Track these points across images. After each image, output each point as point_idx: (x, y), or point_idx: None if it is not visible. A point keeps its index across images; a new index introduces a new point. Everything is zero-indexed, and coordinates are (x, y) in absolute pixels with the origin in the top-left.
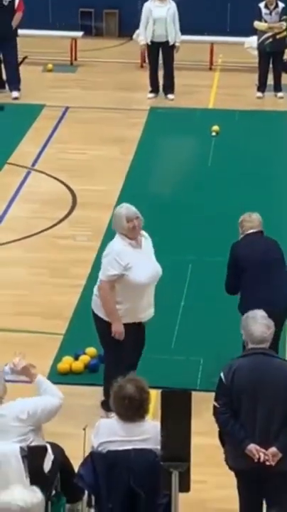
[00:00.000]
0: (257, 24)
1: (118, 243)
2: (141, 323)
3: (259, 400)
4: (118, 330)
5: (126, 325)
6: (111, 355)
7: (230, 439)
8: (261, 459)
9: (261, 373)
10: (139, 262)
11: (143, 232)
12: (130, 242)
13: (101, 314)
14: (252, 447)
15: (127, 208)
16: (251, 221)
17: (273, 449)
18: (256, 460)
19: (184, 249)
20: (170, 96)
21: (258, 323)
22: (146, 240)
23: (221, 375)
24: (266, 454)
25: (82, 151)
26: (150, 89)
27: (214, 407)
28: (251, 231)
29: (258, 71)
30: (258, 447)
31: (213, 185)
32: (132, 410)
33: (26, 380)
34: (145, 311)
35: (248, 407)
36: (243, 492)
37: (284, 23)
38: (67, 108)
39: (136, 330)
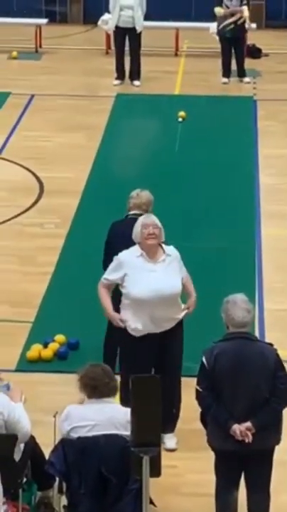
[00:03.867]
0: (216, 10)
1: (128, 252)
2: (157, 335)
3: (241, 383)
4: (111, 317)
5: (133, 338)
6: (123, 366)
7: (213, 421)
8: (246, 440)
9: (243, 357)
10: (143, 276)
11: (169, 249)
12: (142, 253)
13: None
14: (236, 427)
15: (147, 216)
16: (139, 198)
17: (247, 424)
18: (240, 439)
19: None
20: (136, 82)
21: (239, 307)
22: (168, 257)
23: (203, 359)
24: (246, 433)
25: (48, 139)
26: (115, 75)
27: (197, 390)
28: (135, 212)
29: (221, 57)
30: (241, 427)
31: (180, 171)
32: (100, 387)
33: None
34: (153, 325)
35: (230, 389)
36: (222, 472)
37: (245, 8)
38: (32, 96)
39: (146, 346)
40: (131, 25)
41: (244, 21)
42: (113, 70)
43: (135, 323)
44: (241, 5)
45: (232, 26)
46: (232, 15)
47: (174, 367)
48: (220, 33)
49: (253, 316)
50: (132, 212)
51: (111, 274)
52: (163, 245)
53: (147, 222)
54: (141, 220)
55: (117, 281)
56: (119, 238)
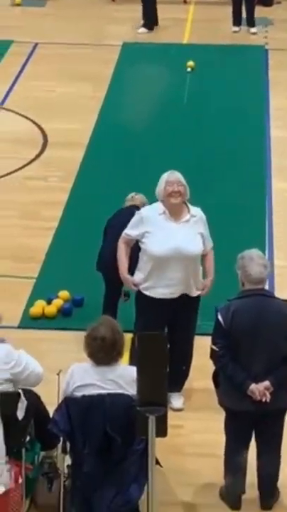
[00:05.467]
0: None
1: (150, 208)
2: (173, 300)
3: (260, 341)
4: (124, 280)
5: (150, 298)
6: (137, 324)
7: (229, 381)
8: (263, 400)
9: (262, 315)
10: (163, 233)
11: (195, 210)
12: (164, 210)
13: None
14: (254, 387)
15: (171, 172)
16: (133, 201)
17: (266, 383)
18: (258, 399)
19: None
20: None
21: (255, 262)
22: (193, 218)
23: (219, 317)
24: (264, 392)
25: (52, 89)
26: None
27: (212, 349)
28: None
29: (232, 4)
30: (260, 387)
31: (189, 124)
32: (105, 351)
33: None
34: (168, 288)
35: (248, 348)
36: (234, 433)
37: None
38: (36, 44)
39: (163, 307)
40: None
41: None
42: (120, 18)
43: (151, 283)
44: None
45: None
46: None
47: (188, 330)
48: None
49: (268, 272)
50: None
51: (131, 230)
52: (189, 205)
53: (171, 180)
54: (164, 176)
55: (137, 238)
56: (117, 229)
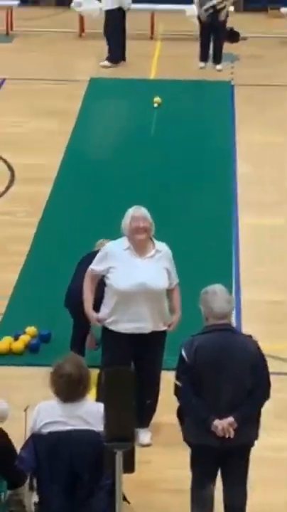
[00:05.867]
0: None
1: (115, 243)
2: (139, 335)
3: (224, 377)
4: (88, 315)
5: (116, 333)
6: (104, 359)
7: (193, 417)
8: (226, 436)
9: (226, 351)
10: (128, 269)
11: (160, 245)
12: (129, 246)
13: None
14: (217, 423)
15: (137, 208)
16: (102, 246)
17: (230, 419)
18: (221, 435)
19: None
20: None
21: (219, 297)
22: (158, 254)
23: (183, 352)
24: (228, 428)
25: (19, 124)
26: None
27: (176, 385)
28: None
29: (200, 40)
30: (223, 423)
31: (156, 156)
32: (71, 388)
33: None
34: (133, 323)
35: (211, 384)
36: (199, 469)
37: None
38: (3, 80)
39: (129, 342)
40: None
41: (224, 7)
42: (86, 53)
43: (116, 317)
44: None
45: (211, 11)
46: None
47: (154, 365)
48: (200, 17)
49: (232, 307)
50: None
51: (96, 265)
52: (155, 240)
53: (136, 215)
54: (130, 212)
55: (102, 273)
56: (86, 267)
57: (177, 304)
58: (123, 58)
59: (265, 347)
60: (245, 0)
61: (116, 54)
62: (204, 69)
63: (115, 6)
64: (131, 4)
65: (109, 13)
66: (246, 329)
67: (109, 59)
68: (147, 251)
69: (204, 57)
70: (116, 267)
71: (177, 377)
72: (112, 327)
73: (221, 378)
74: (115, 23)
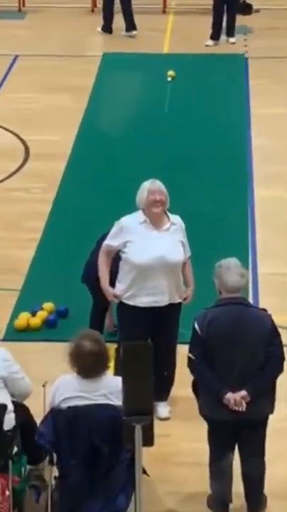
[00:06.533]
0: None
1: (130, 217)
2: (156, 308)
3: (237, 350)
4: (105, 291)
5: (132, 307)
6: (121, 334)
7: (207, 390)
8: (239, 409)
9: (239, 324)
10: (145, 242)
11: (174, 218)
12: (145, 219)
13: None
14: (230, 396)
15: (153, 181)
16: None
17: (242, 392)
18: (234, 408)
19: None
20: (133, 32)
21: (232, 271)
22: (173, 226)
23: (196, 325)
24: (241, 401)
25: (33, 101)
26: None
27: (189, 358)
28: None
29: (213, 14)
30: (236, 396)
31: (170, 132)
32: (91, 364)
33: None
34: (151, 297)
35: (225, 357)
36: (216, 442)
37: None
38: (16, 56)
39: (146, 316)
40: None
41: None
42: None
43: (133, 292)
44: None
45: None
46: None
47: (171, 339)
48: None
49: (247, 280)
50: None
51: (111, 240)
52: (169, 213)
53: (153, 189)
54: (146, 185)
55: (118, 248)
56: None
57: (191, 277)
58: (134, 28)
59: (282, 320)
60: None
61: (106, 25)
62: (212, 47)
63: None
64: None
65: None
66: (263, 302)
67: (102, 27)
68: (163, 224)
69: (215, 35)
70: (132, 241)
71: (191, 351)
72: (130, 302)
73: (233, 351)
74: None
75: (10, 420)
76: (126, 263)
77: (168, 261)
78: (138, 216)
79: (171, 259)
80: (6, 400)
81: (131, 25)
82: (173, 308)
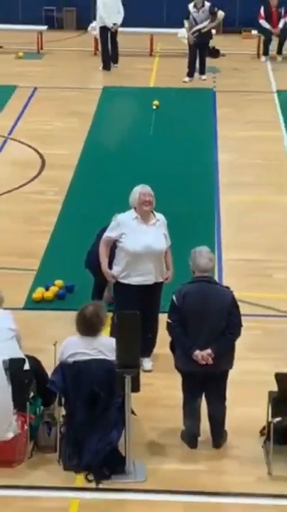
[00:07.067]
0: (185, 23)
1: (125, 214)
2: (144, 286)
3: (204, 318)
4: (105, 273)
5: (126, 285)
6: (116, 305)
7: (181, 348)
8: (204, 362)
9: (207, 297)
10: (137, 234)
11: (159, 215)
12: (137, 216)
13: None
14: (198, 353)
15: (143, 186)
16: None
17: (208, 350)
18: (201, 363)
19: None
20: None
21: (203, 256)
22: (158, 222)
23: (173, 297)
24: (207, 357)
25: (48, 123)
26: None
27: (168, 323)
28: None
29: (188, 59)
30: (203, 353)
31: (154, 148)
32: (93, 324)
33: None
34: (141, 277)
35: (195, 323)
36: (188, 389)
37: (206, 23)
38: (35, 88)
39: (136, 291)
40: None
41: (208, 30)
42: (99, 67)
43: (126, 273)
44: (207, 18)
45: (197, 34)
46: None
47: (155, 309)
48: (188, 39)
49: (214, 264)
50: None
51: (110, 232)
52: (154, 211)
53: (144, 191)
54: (138, 188)
55: (116, 238)
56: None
57: (170, 262)
58: (115, 61)
59: (241, 295)
60: (223, 24)
61: (106, 61)
62: (188, 83)
63: (100, 25)
64: (134, 28)
65: (100, 31)
66: (225, 281)
67: (102, 67)
68: (150, 220)
69: (190, 73)
70: (127, 233)
71: (169, 317)
72: (124, 280)
73: (202, 319)
74: (103, 39)
75: (27, 371)
76: (122, 250)
77: (154, 249)
78: (131, 213)
79: (156, 248)
80: (20, 353)
81: (116, 59)
82: (157, 286)
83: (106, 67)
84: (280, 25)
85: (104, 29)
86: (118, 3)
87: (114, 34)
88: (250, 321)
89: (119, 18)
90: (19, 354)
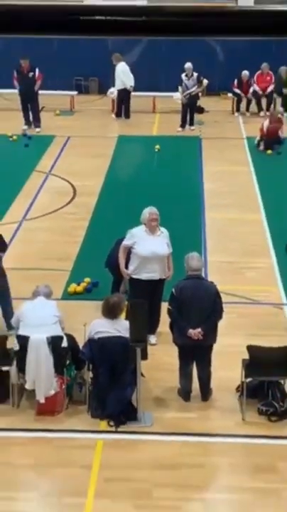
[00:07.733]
0: (178, 88)
1: (137, 228)
2: (151, 281)
3: (195, 305)
4: (122, 271)
5: (137, 280)
6: (130, 296)
7: (177, 327)
8: (195, 338)
9: (197, 290)
10: (146, 242)
11: (163, 229)
12: (146, 229)
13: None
14: (191, 331)
15: (151, 208)
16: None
17: (198, 329)
18: (193, 338)
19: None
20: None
21: (195, 259)
22: (162, 234)
23: (173, 290)
24: (198, 334)
25: (78, 162)
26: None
27: (168, 309)
28: None
29: (181, 114)
30: (195, 331)
31: (157, 181)
32: (115, 310)
33: None
34: (149, 274)
35: (188, 309)
36: (183, 358)
37: (194, 88)
38: (68, 137)
39: (145, 285)
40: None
41: (196, 94)
42: (116, 122)
43: (138, 271)
44: (195, 84)
45: (188, 96)
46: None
47: (159, 299)
48: (181, 100)
49: (202, 264)
50: None
51: (127, 241)
52: (160, 226)
53: (151, 211)
54: (147, 209)
55: (131, 246)
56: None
57: (171, 264)
58: (127, 116)
59: (223, 288)
60: (207, 89)
61: (120, 111)
62: (181, 132)
63: (121, 88)
64: (141, 92)
65: (119, 92)
66: (211, 278)
67: (116, 114)
68: (156, 232)
69: (183, 125)
70: (138, 242)
71: (169, 304)
72: (137, 276)
73: (193, 306)
74: (120, 98)
75: (65, 344)
76: (135, 254)
77: (158, 254)
78: (142, 228)
79: (160, 253)
80: (60, 332)
81: (127, 114)
82: (161, 282)
83: (119, 115)
84: (251, 91)
85: (124, 91)
86: (130, 72)
87: (129, 93)
88: (229, 307)
89: (133, 82)
90: (60, 333)
